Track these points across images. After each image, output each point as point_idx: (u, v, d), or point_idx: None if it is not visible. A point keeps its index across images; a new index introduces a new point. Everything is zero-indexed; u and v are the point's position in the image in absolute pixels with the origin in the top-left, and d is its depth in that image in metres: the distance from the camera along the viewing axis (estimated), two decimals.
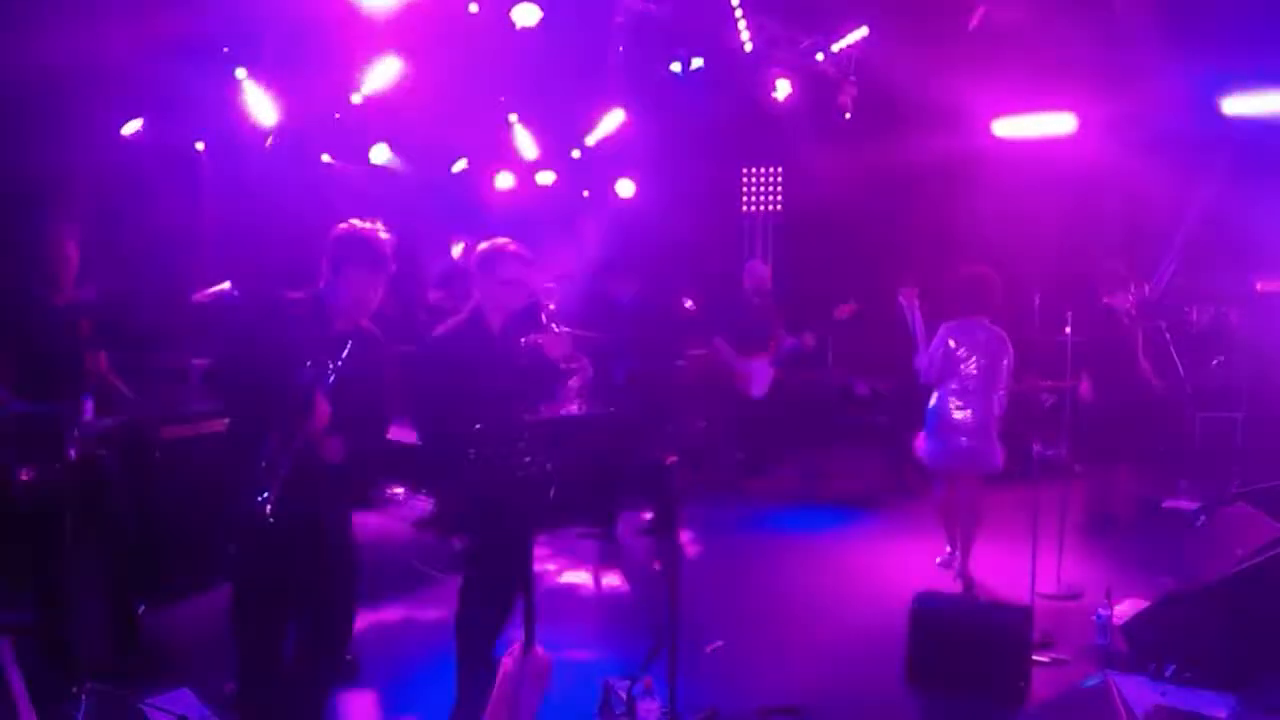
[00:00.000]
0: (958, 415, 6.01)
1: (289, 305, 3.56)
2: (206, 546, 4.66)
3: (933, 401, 6.16)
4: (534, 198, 11.16)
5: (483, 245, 4.21)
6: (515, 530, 4.25)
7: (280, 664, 3.52)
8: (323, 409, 3.37)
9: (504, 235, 4.21)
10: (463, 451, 4.02)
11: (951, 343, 6.05)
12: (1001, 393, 6.07)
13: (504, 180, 11.15)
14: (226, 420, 3.66)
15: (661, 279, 10.30)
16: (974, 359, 6.00)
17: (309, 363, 3.40)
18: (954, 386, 6.04)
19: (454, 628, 3.99)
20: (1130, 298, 7.47)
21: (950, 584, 6.09)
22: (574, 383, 6.06)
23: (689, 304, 9.98)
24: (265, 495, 3.28)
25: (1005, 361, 6.03)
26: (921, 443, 6.27)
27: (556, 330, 4.19)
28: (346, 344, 3.45)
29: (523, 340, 4.20)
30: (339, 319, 3.55)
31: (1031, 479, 5.64)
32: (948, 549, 6.48)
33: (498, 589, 4.01)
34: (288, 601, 3.51)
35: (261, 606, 3.47)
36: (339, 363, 3.43)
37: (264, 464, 3.31)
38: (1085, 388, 7.19)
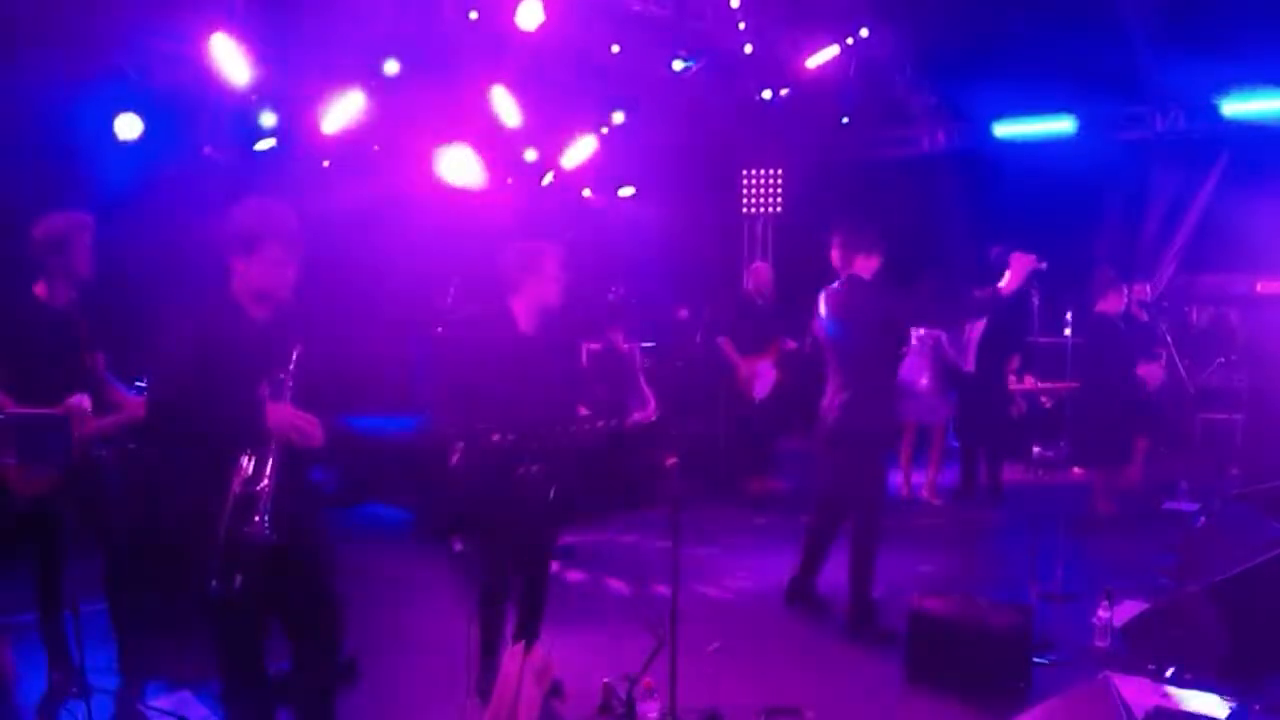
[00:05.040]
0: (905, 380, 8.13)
1: (209, 314, 3.24)
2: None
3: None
4: (535, 199, 11.15)
5: (523, 244, 4.30)
6: (509, 533, 4.29)
7: (265, 672, 3.42)
8: (316, 433, 3.18)
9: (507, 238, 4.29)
10: (445, 456, 4.13)
11: None
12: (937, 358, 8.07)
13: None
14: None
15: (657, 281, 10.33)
16: (914, 341, 8.02)
17: (264, 382, 3.16)
18: (904, 362, 8.06)
19: None
20: (1125, 301, 7.47)
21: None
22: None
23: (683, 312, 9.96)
24: (261, 517, 3.06)
25: (919, 334, 7.98)
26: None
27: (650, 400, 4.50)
28: (293, 353, 3.21)
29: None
30: (257, 307, 3.27)
31: (1031, 479, 5.65)
32: (904, 481, 8.34)
33: (488, 586, 4.31)
34: (267, 611, 3.37)
35: (249, 623, 3.32)
36: (290, 370, 3.19)
37: (240, 489, 3.07)
38: (1081, 390, 7.21)
